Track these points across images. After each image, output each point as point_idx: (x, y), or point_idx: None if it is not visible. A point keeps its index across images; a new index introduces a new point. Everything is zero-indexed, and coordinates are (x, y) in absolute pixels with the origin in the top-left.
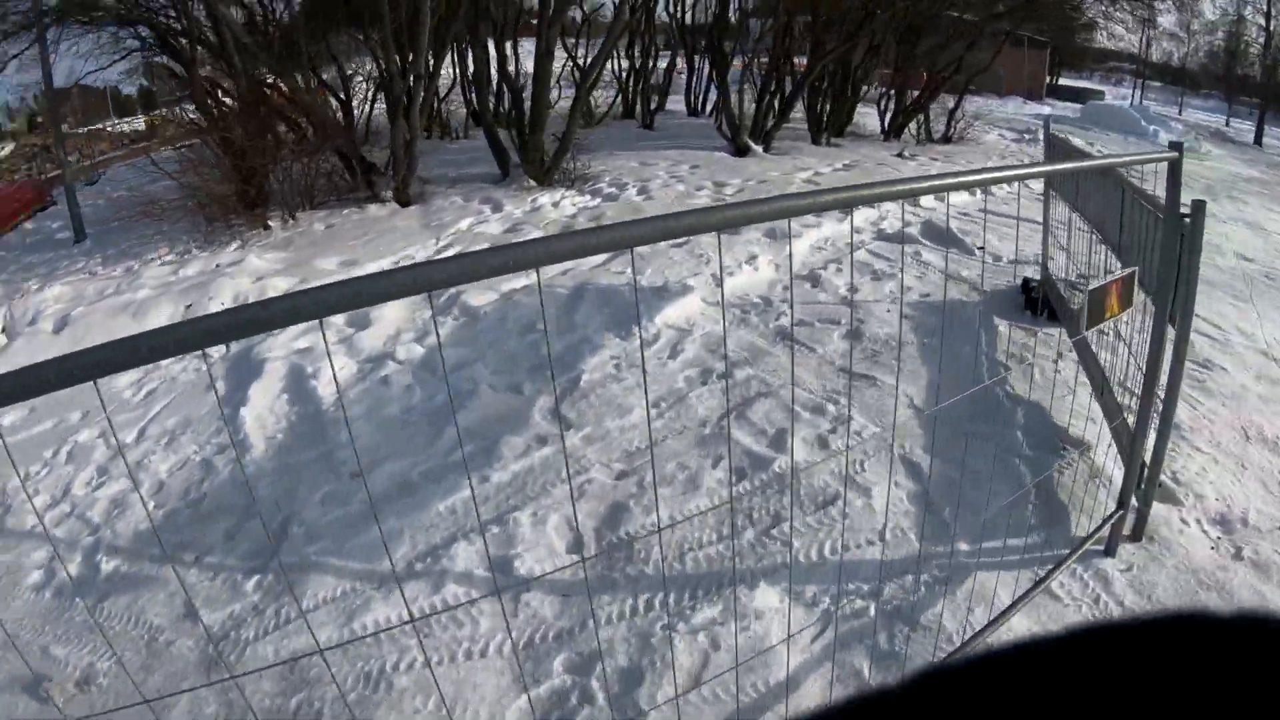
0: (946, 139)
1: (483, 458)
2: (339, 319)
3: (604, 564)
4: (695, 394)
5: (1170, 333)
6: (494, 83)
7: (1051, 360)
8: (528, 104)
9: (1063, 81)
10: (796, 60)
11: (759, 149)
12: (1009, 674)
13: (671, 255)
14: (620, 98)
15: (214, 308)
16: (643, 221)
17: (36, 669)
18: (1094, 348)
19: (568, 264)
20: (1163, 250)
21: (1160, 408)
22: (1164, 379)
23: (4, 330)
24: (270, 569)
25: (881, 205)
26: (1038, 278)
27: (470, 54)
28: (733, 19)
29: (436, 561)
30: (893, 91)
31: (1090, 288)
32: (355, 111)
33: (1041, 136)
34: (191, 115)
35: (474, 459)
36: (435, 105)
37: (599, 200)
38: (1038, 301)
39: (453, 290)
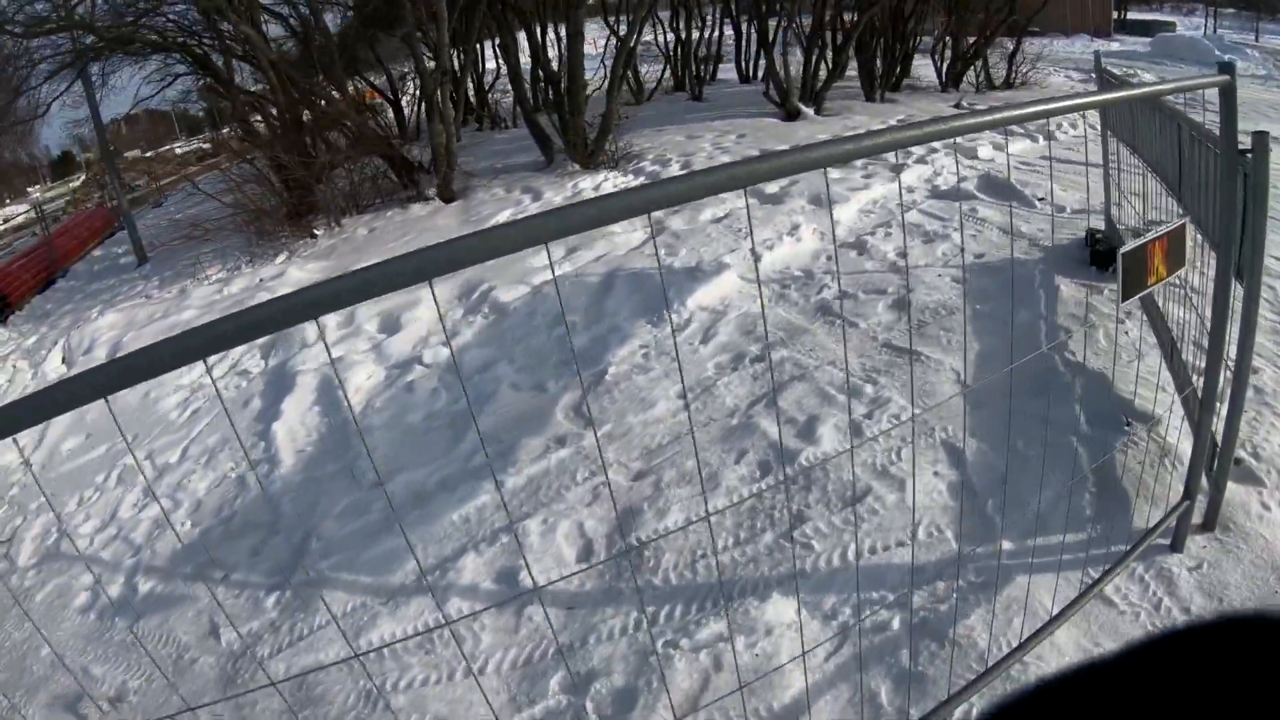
0: (1008, 84)
1: (500, 461)
2: (371, 326)
3: (611, 573)
4: (724, 381)
5: (1239, 289)
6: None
7: (1118, 320)
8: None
9: (1131, 15)
10: (846, 17)
11: (810, 111)
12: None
13: (709, 232)
14: (669, 71)
15: None
16: (660, 184)
17: (77, 687)
18: (1162, 303)
19: (600, 250)
20: (1222, 193)
21: (1231, 375)
22: (1234, 341)
23: (64, 360)
24: (289, 586)
25: (935, 160)
26: (1103, 228)
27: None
28: None
29: (445, 574)
30: (948, 39)
31: (1124, 249)
32: (406, 111)
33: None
34: (237, 133)
35: (492, 463)
36: (483, 96)
37: (641, 179)
38: (1103, 254)
39: (484, 286)
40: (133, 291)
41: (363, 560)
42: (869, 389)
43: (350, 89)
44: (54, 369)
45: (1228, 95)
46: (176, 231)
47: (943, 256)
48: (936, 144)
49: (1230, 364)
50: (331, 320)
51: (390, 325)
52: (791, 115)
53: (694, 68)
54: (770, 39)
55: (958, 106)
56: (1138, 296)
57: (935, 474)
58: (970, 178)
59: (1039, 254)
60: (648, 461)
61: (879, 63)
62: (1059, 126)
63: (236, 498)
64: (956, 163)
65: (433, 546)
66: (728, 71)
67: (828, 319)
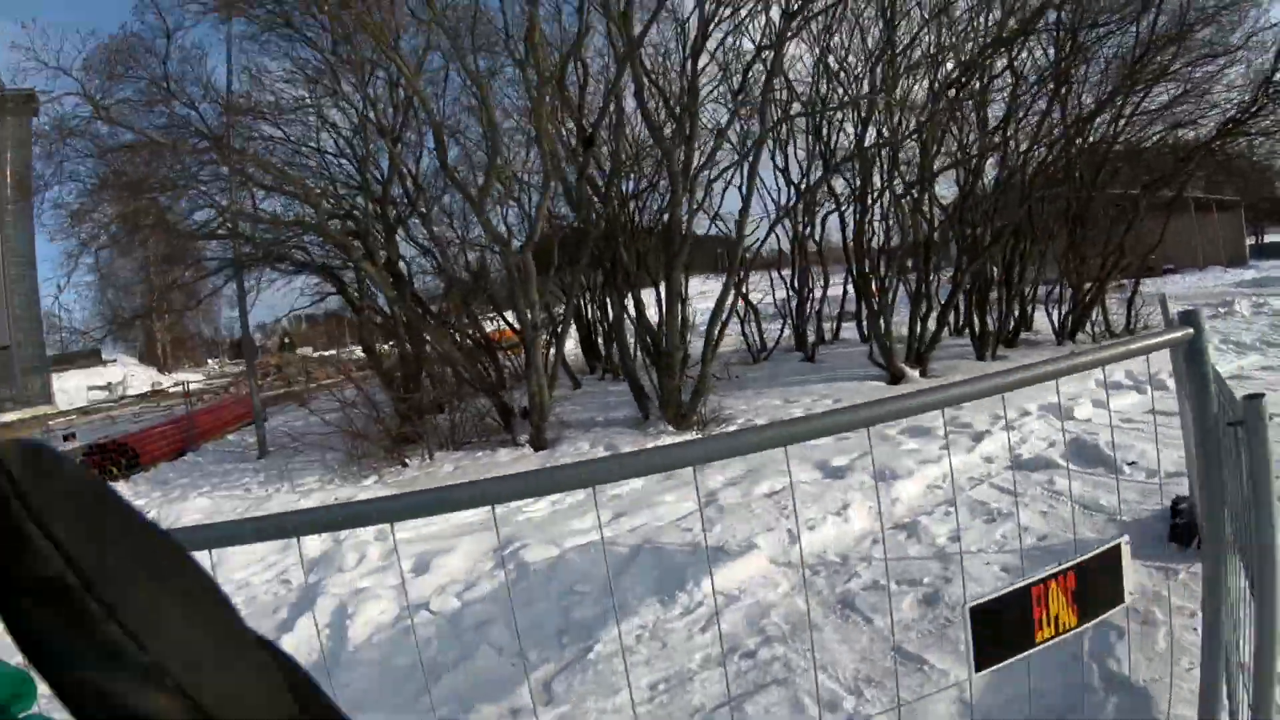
0: (1129, 330)
1: None
2: (407, 564)
3: None
4: (704, 677)
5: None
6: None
7: (1189, 613)
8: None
9: (1270, 239)
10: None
11: (915, 374)
12: None
13: (754, 508)
14: (790, 328)
15: (308, 538)
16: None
17: None
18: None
19: (643, 518)
20: (1206, 482)
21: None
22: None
23: None
24: None
25: (1024, 425)
26: (1189, 495)
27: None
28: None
29: None
30: (1061, 288)
31: (974, 603)
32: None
33: (1241, 307)
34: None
35: None
36: (610, 345)
37: None
38: (1182, 529)
39: (517, 544)
40: (238, 481)
41: None
42: (849, 702)
43: (491, 326)
44: None
45: (1194, 355)
46: (295, 436)
47: (1000, 540)
48: (1030, 407)
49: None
50: (374, 551)
51: (421, 566)
52: (896, 378)
53: (814, 326)
54: (874, 299)
55: None
56: (1007, 663)
57: None
58: (1059, 442)
59: (1114, 531)
60: None
61: (991, 317)
62: (1172, 374)
63: None
64: (1007, 430)
65: None
66: (851, 330)
67: (844, 613)
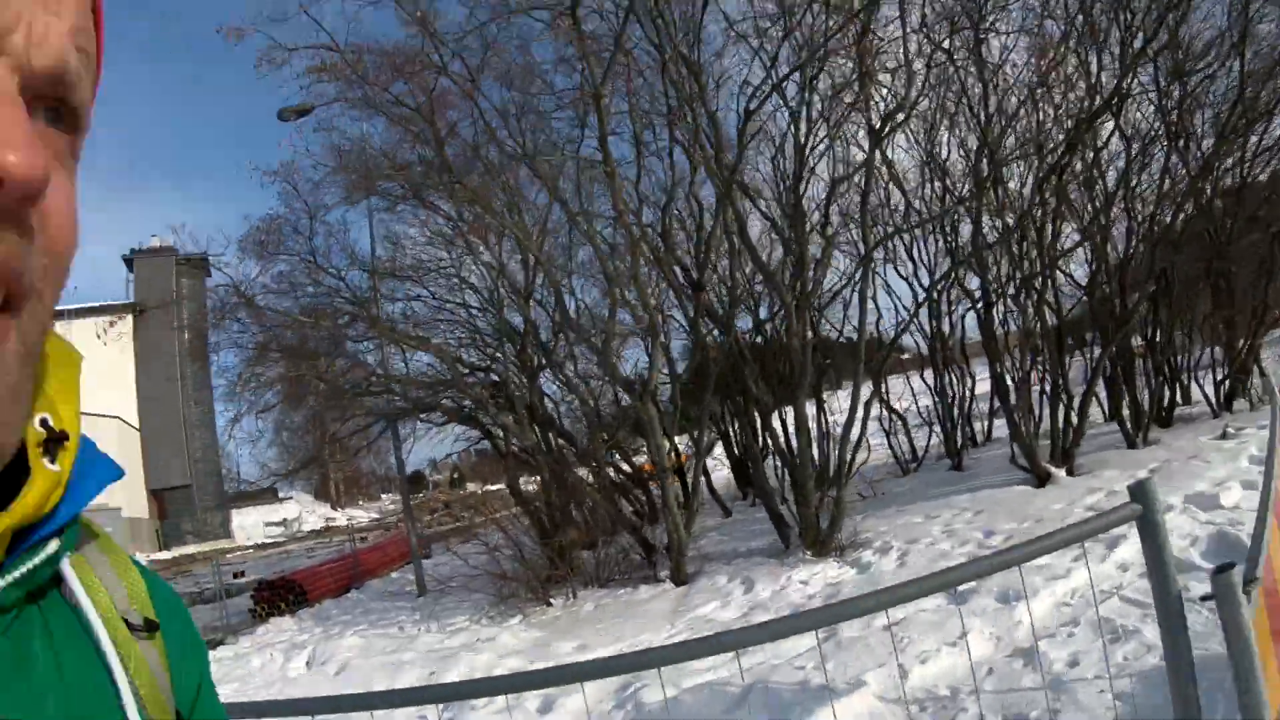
0: None
1: None
2: (533, 704)
3: None
4: None
5: None
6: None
7: None
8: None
9: None
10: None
11: (1061, 473)
12: None
13: (869, 641)
14: (937, 434)
15: (449, 677)
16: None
17: None
18: None
19: (758, 658)
20: (1173, 663)
21: None
22: None
23: (308, 664)
24: None
25: (1165, 521)
26: None
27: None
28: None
29: None
30: (1212, 353)
31: None
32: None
33: None
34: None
35: None
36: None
37: (851, 572)
38: None
39: (639, 684)
40: (394, 620)
41: None
42: None
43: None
44: (296, 669)
45: (1146, 530)
46: (442, 580)
47: (1122, 663)
48: (1173, 500)
49: None
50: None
51: (547, 705)
52: (1042, 480)
53: (960, 431)
54: (1009, 397)
55: (1222, 437)
56: None
57: None
58: (1200, 539)
59: None
60: None
61: (1147, 395)
62: None
63: None
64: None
65: None
66: (1003, 427)
67: None
